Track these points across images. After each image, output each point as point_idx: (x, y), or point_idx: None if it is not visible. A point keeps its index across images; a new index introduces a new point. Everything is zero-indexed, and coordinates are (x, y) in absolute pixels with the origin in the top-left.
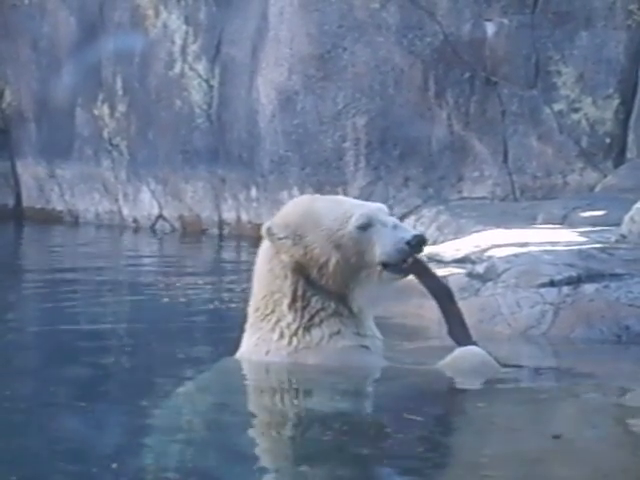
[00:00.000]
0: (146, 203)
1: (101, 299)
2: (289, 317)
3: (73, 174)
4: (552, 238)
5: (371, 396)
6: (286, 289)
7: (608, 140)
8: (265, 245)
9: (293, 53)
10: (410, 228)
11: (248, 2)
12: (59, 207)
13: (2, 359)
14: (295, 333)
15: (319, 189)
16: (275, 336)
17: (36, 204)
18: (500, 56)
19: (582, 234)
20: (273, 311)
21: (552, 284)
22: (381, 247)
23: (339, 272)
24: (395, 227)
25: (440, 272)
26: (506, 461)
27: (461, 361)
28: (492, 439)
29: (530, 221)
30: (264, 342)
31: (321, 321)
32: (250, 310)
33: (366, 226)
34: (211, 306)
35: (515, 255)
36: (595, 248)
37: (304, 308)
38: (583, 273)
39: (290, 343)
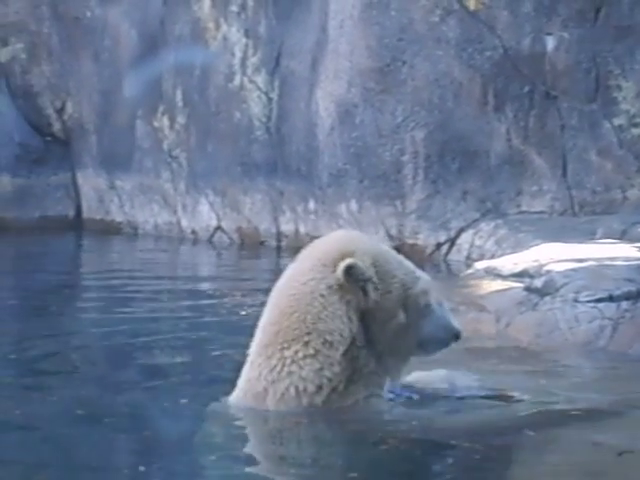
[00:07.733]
0: (205, 215)
1: (158, 310)
2: (336, 368)
3: (133, 185)
4: (611, 253)
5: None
6: (346, 334)
7: None
8: (326, 280)
9: (352, 66)
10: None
11: (308, 15)
12: (119, 218)
13: (68, 366)
14: (336, 388)
15: (377, 202)
16: (312, 387)
17: (96, 215)
18: (560, 70)
19: None
20: (315, 355)
21: (611, 299)
22: (433, 326)
23: (394, 333)
24: (446, 309)
25: (498, 286)
26: (568, 474)
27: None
28: (553, 452)
29: (589, 236)
30: (293, 392)
31: (360, 378)
32: (274, 344)
33: (427, 294)
34: None
35: (574, 270)
36: None
37: (352, 360)
38: None
39: (327, 399)
